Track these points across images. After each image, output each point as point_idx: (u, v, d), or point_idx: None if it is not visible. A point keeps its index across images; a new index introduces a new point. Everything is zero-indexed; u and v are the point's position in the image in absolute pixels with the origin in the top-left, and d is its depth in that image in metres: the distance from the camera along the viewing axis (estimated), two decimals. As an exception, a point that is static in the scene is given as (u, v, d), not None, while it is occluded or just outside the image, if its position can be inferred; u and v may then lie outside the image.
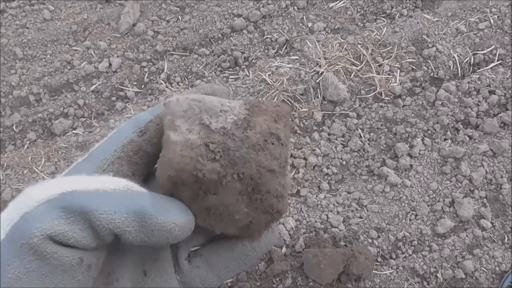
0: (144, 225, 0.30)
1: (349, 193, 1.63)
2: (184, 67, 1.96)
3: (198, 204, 0.35)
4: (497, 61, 1.91)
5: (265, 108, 0.38)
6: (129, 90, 1.91)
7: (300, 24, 2.07)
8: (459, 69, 1.89)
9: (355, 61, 1.88)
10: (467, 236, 1.55)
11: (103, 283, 0.34)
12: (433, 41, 1.94)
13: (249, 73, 1.91)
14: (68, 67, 1.98)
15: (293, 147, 1.70)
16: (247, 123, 0.36)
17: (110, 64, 1.98)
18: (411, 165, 1.68)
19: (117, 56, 2.00)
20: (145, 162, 0.39)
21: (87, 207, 0.29)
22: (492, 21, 2.00)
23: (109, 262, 0.34)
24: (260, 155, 0.35)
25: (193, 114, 0.36)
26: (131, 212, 0.30)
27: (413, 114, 1.79)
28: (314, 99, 1.80)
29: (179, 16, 2.14)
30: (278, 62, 1.88)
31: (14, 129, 1.82)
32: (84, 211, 0.29)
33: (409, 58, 1.90)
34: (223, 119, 0.36)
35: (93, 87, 1.92)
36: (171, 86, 1.92)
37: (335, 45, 1.91)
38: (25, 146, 1.79)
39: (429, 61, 1.89)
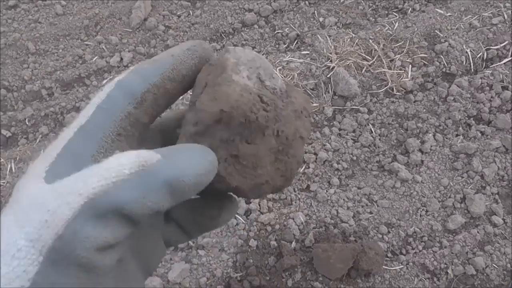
0: (173, 192, 0.30)
1: (359, 188, 1.63)
2: (195, 61, 1.96)
3: (227, 150, 0.36)
4: (511, 56, 1.88)
5: (299, 90, 0.42)
6: (140, 85, 1.91)
7: (312, 19, 2.06)
8: (471, 64, 1.88)
9: (366, 56, 1.87)
10: (478, 232, 1.54)
11: None
12: (445, 36, 1.92)
13: (259, 68, 1.91)
14: (80, 62, 1.99)
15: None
16: (287, 94, 0.40)
17: (122, 59, 1.99)
18: (422, 161, 1.67)
19: (129, 51, 2.01)
20: (139, 133, 0.37)
21: (121, 206, 0.29)
22: (505, 16, 1.97)
23: None
24: (298, 121, 0.39)
25: (254, 66, 0.38)
26: (159, 188, 0.29)
27: (424, 110, 1.77)
28: (325, 94, 1.79)
29: (190, 11, 2.14)
30: (289, 57, 1.88)
31: (27, 123, 1.84)
32: (118, 210, 0.29)
33: (421, 53, 1.88)
34: (275, 82, 0.39)
35: (105, 81, 1.93)
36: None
37: (347, 40, 1.90)
38: (38, 140, 1.80)
39: (442, 56, 1.88)
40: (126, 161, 0.30)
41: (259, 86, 0.38)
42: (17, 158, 1.70)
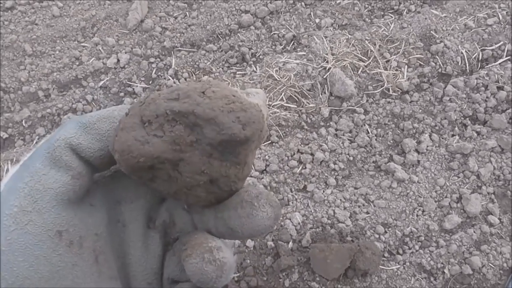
0: (86, 128, 0.32)
1: (356, 188, 1.63)
2: (191, 63, 1.97)
3: None
4: (506, 56, 1.89)
5: None
6: (137, 86, 1.92)
7: (308, 20, 2.07)
8: (467, 65, 1.88)
9: (362, 57, 1.87)
10: (474, 232, 1.54)
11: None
12: (441, 36, 1.93)
13: (256, 69, 1.91)
14: (77, 63, 1.99)
15: (300, 143, 1.71)
16: None
17: (118, 60, 1.99)
18: (419, 161, 1.67)
19: (125, 52, 2.01)
20: None
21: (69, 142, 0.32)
22: (500, 16, 1.98)
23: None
24: None
25: None
26: (76, 127, 0.32)
27: (420, 110, 1.78)
28: (321, 94, 1.80)
29: (187, 12, 2.14)
30: (285, 58, 1.88)
31: (24, 124, 1.84)
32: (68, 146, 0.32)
33: (416, 54, 1.89)
34: None
35: (101, 82, 1.93)
36: (179, 82, 1.92)
37: (343, 41, 1.91)
38: (34, 142, 1.80)
39: (437, 57, 1.89)
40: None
41: None
42: (14, 160, 1.70)
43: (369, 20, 2.08)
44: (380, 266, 1.47)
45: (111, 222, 0.35)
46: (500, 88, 1.80)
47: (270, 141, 1.71)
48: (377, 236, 1.53)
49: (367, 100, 1.80)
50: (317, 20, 2.06)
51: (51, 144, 0.31)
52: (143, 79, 1.94)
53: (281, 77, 1.81)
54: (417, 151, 1.69)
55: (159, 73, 1.96)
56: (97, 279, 0.32)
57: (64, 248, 0.30)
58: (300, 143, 1.70)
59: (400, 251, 1.52)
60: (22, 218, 0.29)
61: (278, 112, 1.75)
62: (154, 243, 0.36)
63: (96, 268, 0.32)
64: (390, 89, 1.82)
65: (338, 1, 2.13)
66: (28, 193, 0.30)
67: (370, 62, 1.86)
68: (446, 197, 1.60)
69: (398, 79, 1.83)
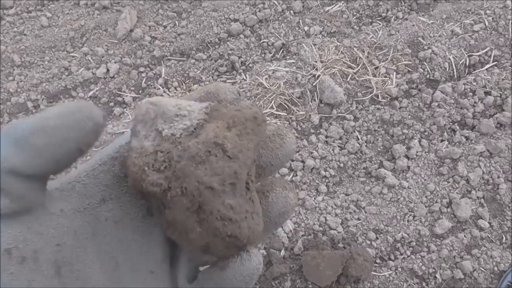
0: (18, 144, 0.27)
1: (347, 195, 1.64)
2: (181, 72, 1.97)
3: (162, 216, 0.32)
4: (492, 62, 1.92)
5: (225, 112, 0.34)
6: (127, 96, 1.91)
7: (297, 28, 2.08)
8: (454, 70, 1.90)
9: (351, 64, 1.89)
10: (465, 236, 1.55)
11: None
12: (428, 43, 1.95)
13: (246, 77, 1.92)
14: (66, 73, 1.99)
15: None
16: (199, 130, 0.33)
17: (108, 70, 1.99)
18: (409, 167, 1.68)
19: (115, 62, 2.01)
20: None
21: None
22: (487, 22, 2.01)
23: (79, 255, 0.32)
24: (200, 168, 0.31)
25: (149, 119, 0.33)
26: (7, 144, 0.28)
27: (409, 116, 1.79)
28: (311, 102, 1.81)
29: (176, 22, 2.15)
30: (274, 66, 1.89)
31: (13, 135, 1.83)
32: None
33: (405, 61, 1.91)
34: (176, 125, 0.33)
35: (91, 93, 1.93)
36: (169, 91, 1.92)
37: (332, 49, 1.92)
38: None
39: (425, 63, 1.91)
40: None
41: (158, 141, 0.32)
42: None
43: (358, 28, 2.09)
44: (372, 272, 1.48)
45: (97, 222, 0.33)
46: (487, 93, 1.82)
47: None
48: (368, 242, 1.54)
49: (356, 107, 1.81)
50: (306, 28, 2.07)
51: None
52: (133, 88, 1.94)
53: (270, 85, 1.82)
54: (407, 157, 1.70)
55: (149, 82, 1.96)
56: None
57: (15, 265, 0.28)
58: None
59: (392, 257, 1.53)
60: None
61: (268, 120, 1.76)
62: (156, 231, 0.34)
63: (57, 281, 0.30)
64: (379, 96, 1.83)
65: (326, 9, 2.14)
66: None
67: (359, 69, 1.88)
68: (436, 202, 1.61)
69: (387, 85, 1.85)
